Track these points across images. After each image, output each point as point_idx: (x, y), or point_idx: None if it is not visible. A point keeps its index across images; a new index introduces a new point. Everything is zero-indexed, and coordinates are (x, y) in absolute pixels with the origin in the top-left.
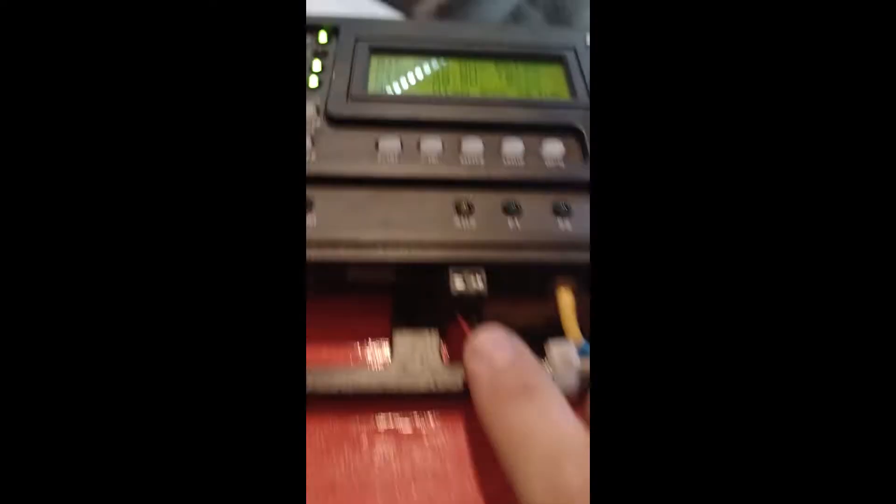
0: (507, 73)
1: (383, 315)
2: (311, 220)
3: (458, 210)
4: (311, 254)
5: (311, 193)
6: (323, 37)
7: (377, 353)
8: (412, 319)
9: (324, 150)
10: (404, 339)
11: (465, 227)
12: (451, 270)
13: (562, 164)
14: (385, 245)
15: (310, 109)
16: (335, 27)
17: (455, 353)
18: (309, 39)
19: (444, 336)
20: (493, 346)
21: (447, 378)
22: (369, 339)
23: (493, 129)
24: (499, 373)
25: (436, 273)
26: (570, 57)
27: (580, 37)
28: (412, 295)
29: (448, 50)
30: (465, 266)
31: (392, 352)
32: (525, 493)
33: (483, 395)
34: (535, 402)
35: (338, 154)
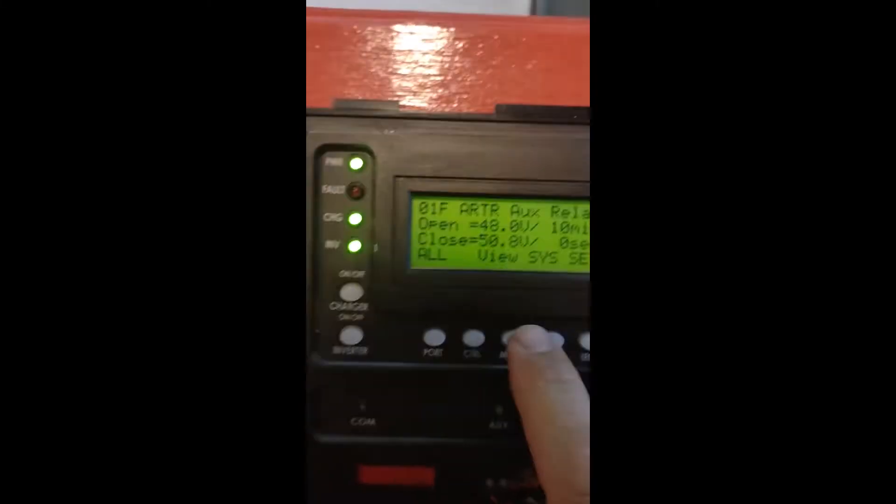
0: (563, 224)
1: None
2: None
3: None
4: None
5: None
6: (357, 163)
7: None
8: None
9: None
10: None
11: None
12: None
13: None
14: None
15: (356, 292)
16: (368, 149)
17: None
18: (340, 162)
19: None
20: (534, 336)
21: None
22: None
23: (534, 320)
24: (535, 355)
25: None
26: None
27: None
28: None
29: (497, 193)
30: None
31: None
32: (543, 464)
33: (519, 373)
34: (564, 388)
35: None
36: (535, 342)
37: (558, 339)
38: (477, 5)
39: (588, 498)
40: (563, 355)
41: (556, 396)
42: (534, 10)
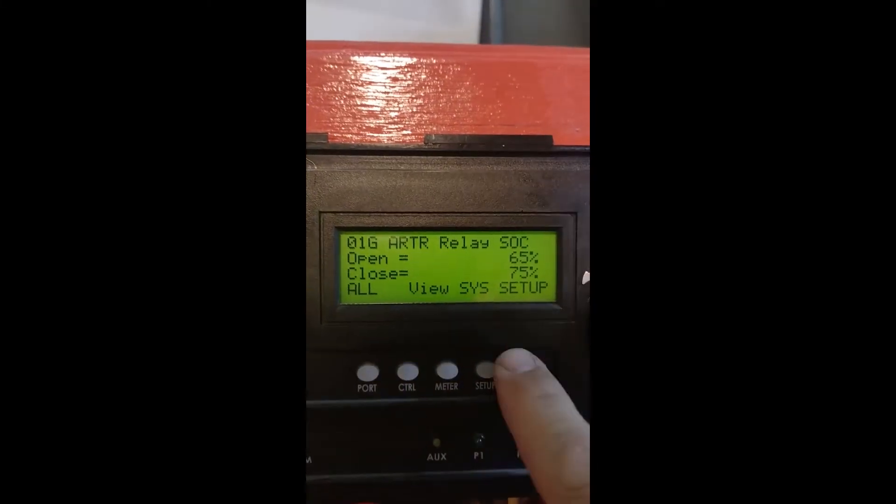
0: (491, 255)
1: None
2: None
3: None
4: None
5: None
6: None
7: None
8: None
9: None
10: None
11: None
12: None
13: None
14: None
15: None
16: None
17: None
18: None
19: None
20: (517, 357)
21: None
22: None
23: (468, 350)
24: (519, 376)
25: None
26: (569, 225)
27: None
28: None
29: (426, 226)
30: None
31: None
32: (536, 474)
33: (505, 394)
34: (550, 402)
35: (319, 382)
36: (518, 363)
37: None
38: (425, 20)
39: (579, 492)
40: (546, 372)
41: (542, 410)
42: (484, 25)
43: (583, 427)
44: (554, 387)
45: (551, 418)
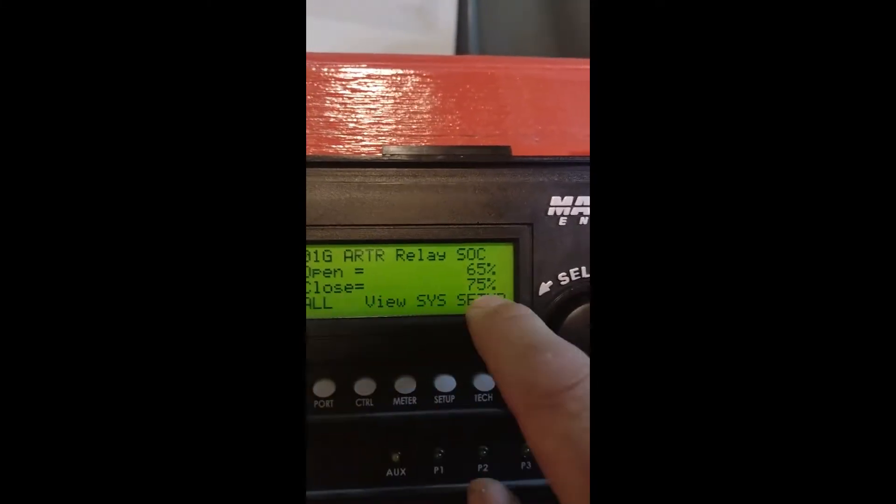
0: (448, 267)
1: None
2: None
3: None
4: None
5: None
6: None
7: None
8: None
9: None
10: None
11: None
12: None
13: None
14: None
15: None
16: None
17: None
18: None
19: None
20: (488, 299)
21: None
22: None
23: (426, 364)
24: (490, 308)
25: None
26: (525, 236)
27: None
28: None
29: (381, 239)
30: None
31: None
32: (510, 390)
33: (478, 329)
34: (520, 321)
35: None
36: (487, 301)
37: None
38: (401, 29)
39: (554, 399)
40: (514, 303)
41: (512, 327)
42: (460, 33)
43: (552, 337)
44: (523, 309)
45: (522, 331)
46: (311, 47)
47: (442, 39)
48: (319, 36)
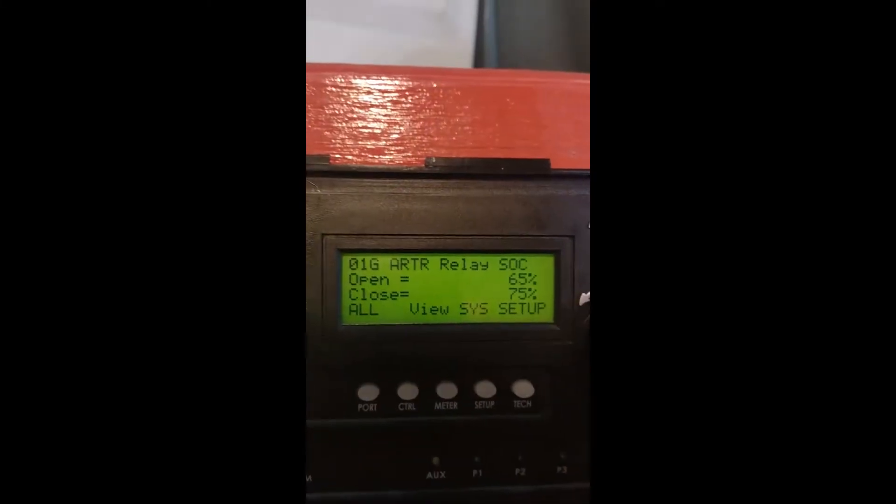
0: (490, 276)
1: None
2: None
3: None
4: None
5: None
6: None
7: None
8: None
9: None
10: None
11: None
12: None
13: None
14: None
15: None
16: None
17: None
18: None
19: None
20: None
21: None
22: None
23: (467, 370)
24: None
25: None
26: (566, 248)
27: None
28: None
29: (426, 248)
30: None
31: None
32: None
33: None
34: None
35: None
36: None
37: None
38: (420, 35)
39: None
40: None
41: None
42: (479, 41)
43: None
44: None
45: None
46: (326, 53)
47: (460, 47)
48: (336, 41)
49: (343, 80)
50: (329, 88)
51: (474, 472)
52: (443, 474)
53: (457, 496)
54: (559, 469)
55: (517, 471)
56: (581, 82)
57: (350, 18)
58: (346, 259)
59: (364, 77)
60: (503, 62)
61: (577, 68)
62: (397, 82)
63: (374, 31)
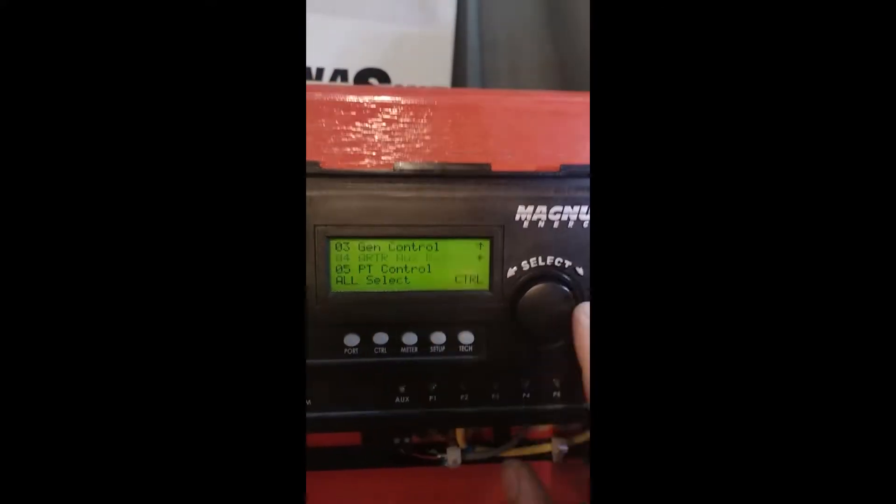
0: (441, 255)
1: None
2: None
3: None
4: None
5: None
6: None
7: None
8: None
9: (309, 345)
10: None
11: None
12: None
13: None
14: None
15: None
16: None
17: None
18: None
19: None
20: None
21: None
22: None
23: (424, 324)
24: None
25: None
26: (498, 235)
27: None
28: None
29: (391, 235)
30: None
31: None
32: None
33: (586, 332)
34: None
35: (318, 347)
36: None
37: None
38: (403, 22)
39: None
40: None
41: None
42: (459, 26)
43: None
44: None
45: None
46: (314, 43)
47: (442, 32)
48: (323, 32)
49: (330, 97)
50: (318, 106)
51: (430, 398)
52: (407, 399)
53: (417, 416)
54: (493, 396)
55: (462, 397)
56: (519, 99)
57: (332, 9)
58: (333, 244)
59: (348, 95)
60: (484, 46)
61: (555, 49)
62: (375, 98)
63: (356, 21)
